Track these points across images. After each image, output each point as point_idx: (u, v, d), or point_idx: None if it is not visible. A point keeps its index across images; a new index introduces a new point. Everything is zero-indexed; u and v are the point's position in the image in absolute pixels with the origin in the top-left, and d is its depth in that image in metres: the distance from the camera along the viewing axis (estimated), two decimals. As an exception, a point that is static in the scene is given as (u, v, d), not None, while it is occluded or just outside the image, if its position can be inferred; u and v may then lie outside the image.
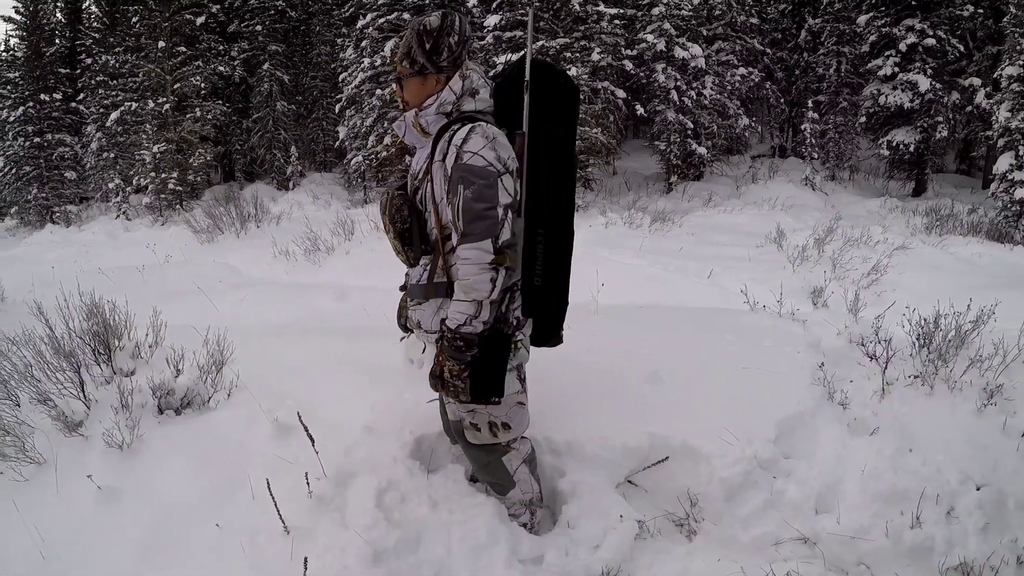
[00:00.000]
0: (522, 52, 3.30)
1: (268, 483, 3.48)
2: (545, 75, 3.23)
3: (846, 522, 3.62)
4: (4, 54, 39.74)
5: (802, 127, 23.61)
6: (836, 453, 3.97)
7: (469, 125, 3.02)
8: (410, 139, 3.27)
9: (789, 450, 4.03)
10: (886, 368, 4.51)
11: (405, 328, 3.70)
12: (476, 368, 3.09)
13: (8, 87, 34.34)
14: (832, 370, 4.58)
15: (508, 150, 3.03)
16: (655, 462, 4.02)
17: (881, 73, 21.72)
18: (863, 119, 23.10)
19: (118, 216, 27.24)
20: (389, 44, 21.63)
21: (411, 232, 3.23)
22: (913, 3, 21.32)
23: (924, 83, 20.75)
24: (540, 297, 3.30)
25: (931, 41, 20.89)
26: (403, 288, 3.63)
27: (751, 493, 3.82)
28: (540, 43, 18.87)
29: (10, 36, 38.11)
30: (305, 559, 3.19)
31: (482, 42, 19.68)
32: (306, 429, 3.67)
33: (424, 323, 3.31)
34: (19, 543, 3.59)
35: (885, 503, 3.66)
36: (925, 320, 4.78)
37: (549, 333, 3.50)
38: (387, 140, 21.66)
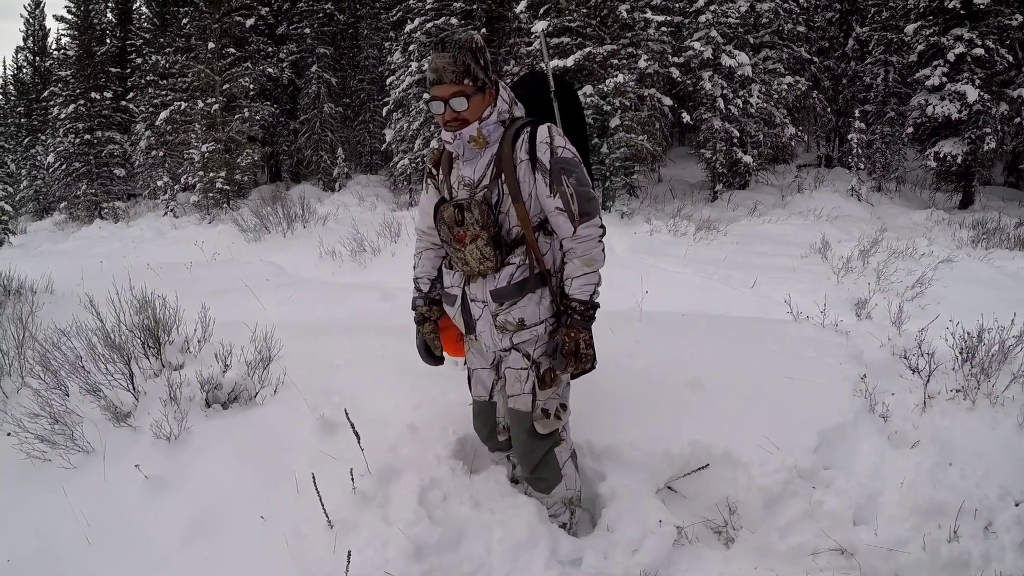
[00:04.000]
0: (538, 64, 3.60)
1: (314, 477, 3.52)
2: (564, 87, 3.73)
3: (884, 534, 3.60)
4: (56, 53, 40.54)
5: (849, 137, 23.33)
6: (875, 465, 3.95)
7: (544, 125, 3.28)
8: (467, 154, 3.34)
9: (829, 461, 4.01)
10: (928, 381, 4.47)
11: (440, 359, 3.83)
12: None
13: (60, 85, 34.96)
14: (874, 382, 4.55)
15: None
16: (695, 469, 4.02)
17: (929, 83, 21.32)
18: (910, 129, 22.63)
19: (166, 213, 27.64)
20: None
21: (500, 235, 3.30)
22: (961, 12, 20.93)
23: (972, 94, 20.37)
24: None
25: (979, 51, 20.48)
26: (423, 320, 3.76)
27: (790, 502, 3.80)
28: (587, 49, 18.88)
29: (62, 35, 38.88)
30: (348, 553, 3.23)
31: (529, 48, 19.72)
32: (352, 426, 3.71)
33: (529, 318, 3.37)
34: (66, 529, 3.67)
35: (923, 516, 3.63)
36: (968, 334, 4.73)
37: None
38: (433, 144, 21.71)
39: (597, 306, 3.30)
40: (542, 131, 3.24)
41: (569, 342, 3.25)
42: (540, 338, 3.40)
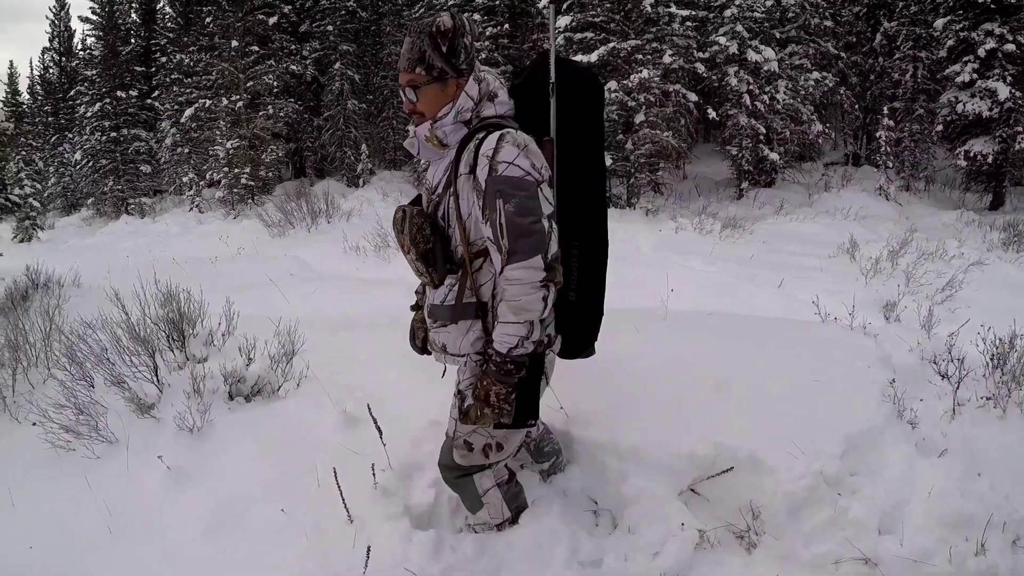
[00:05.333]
0: (547, 51, 3.03)
1: (335, 472, 3.52)
2: (569, 74, 3.00)
3: (909, 545, 3.50)
4: (82, 53, 40.99)
5: (877, 134, 23.12)
6: (903, 473, 3.85)
7: (497, 133, 2.79)
8: (426, 154, 3.06)
9: (855, 467, 3.92)
10: (958, 388, 4.38)
11: (423, 350, 3.50)
12: (521, 392, 2.89)
13: (86, 84, 35.41)
14: (902, 387, 4.43)
15: (541, 157, 2.82)
16: (720, 471, 3.94)
17: (959, 80, 21.02)
18: (939, 127, 22.29)
19: (191, 209, 27.86)
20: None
21: (435, 252, 2.97)
22: (992, 6, 20.60)
23: (1004, 91, 20.09)
24: (574, 312, 3.08)
25: (1011, 47, 20.17)
26: (415, 308, 3.56)
27: (815, 509, 3.71)
28: (611, 45, 18.81)
29: (87, 36, 39.31)
30: (368, 548, 3.21)
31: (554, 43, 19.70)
32: (375, 421, 3.70)
33: (450, 346, 3.08)
34: (88, 518, 3.70)
35: (950, 528, 3.54)
36: (1000, 340, 4.66)
37: (581, 346, 3.27)
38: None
39: (522, 363, 2.83)
40: (490, 140, 2.78)
41: (480, 389, 2.91)
42: (466, 370, 3.10)
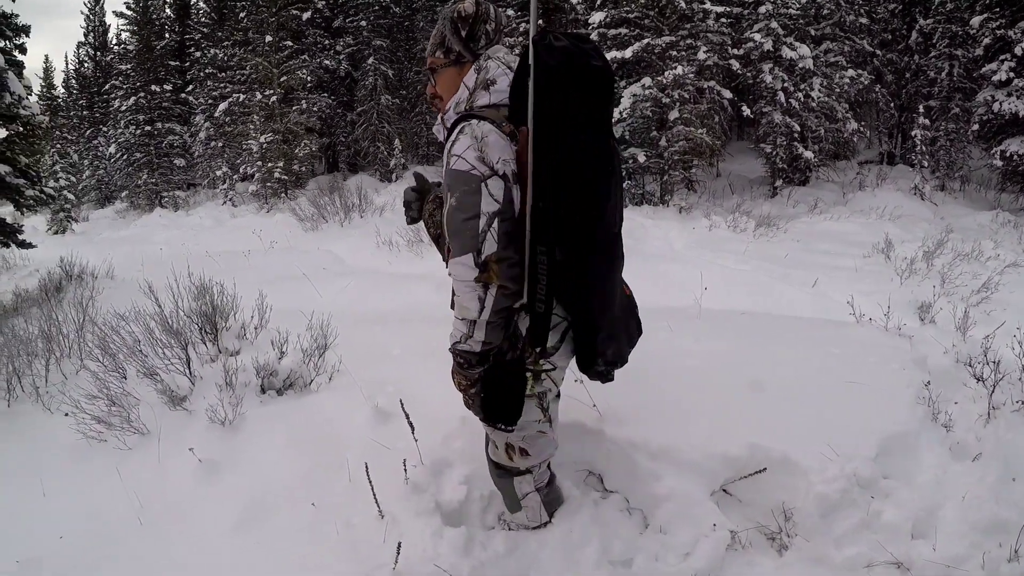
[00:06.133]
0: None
1: (367, 468, 3.51)
2: (557, 58, 2.63)
3: (942, 549, 3.46)
4: (116, 47, 41.40)
5: (912, 133, 22.81)
6: (937, 477, 3.81)
7: (463, 123, 2.75)
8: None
9: (889, 470, 3.87)
10: (993, 392, 4.29)
11: None
12: (486, 389, 2.87)
13: (120, 78, 35.76)
14: (937, 390, 4.36)
15: (499, 151, 2.69)
16: (752, 472, 3.90)
17: (995, 78, 20.69)
18: (976, 127, 21.91)
19: (224, 202, 28.11)
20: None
21: (442, 238, 3.00)
22: (1031, 4, 20.40)
23: (1041, 90, 19.90)
24: (546, 326, 2.82)
25: (1050, 45, 20.01)
26: None
27: (847, 512, 3.67)
28: (646, 41, 18.70)
29: (122, 30, 39.71)
30: (399, 544, 3.20)
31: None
32: (407, 416, 3.69)
33: (454, 334, 2.96)
34: (118, 509, 3.73)
35: (984, 533, 3.50)
36: (1036, 343, 4.58)
37: (583, 364, 3.08)
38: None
39: (469, 358, 2.84)
40: (454, 132, 2.77)
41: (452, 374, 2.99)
42: None
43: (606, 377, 3.15)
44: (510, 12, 23.14)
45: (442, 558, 3.27)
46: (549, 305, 2.76)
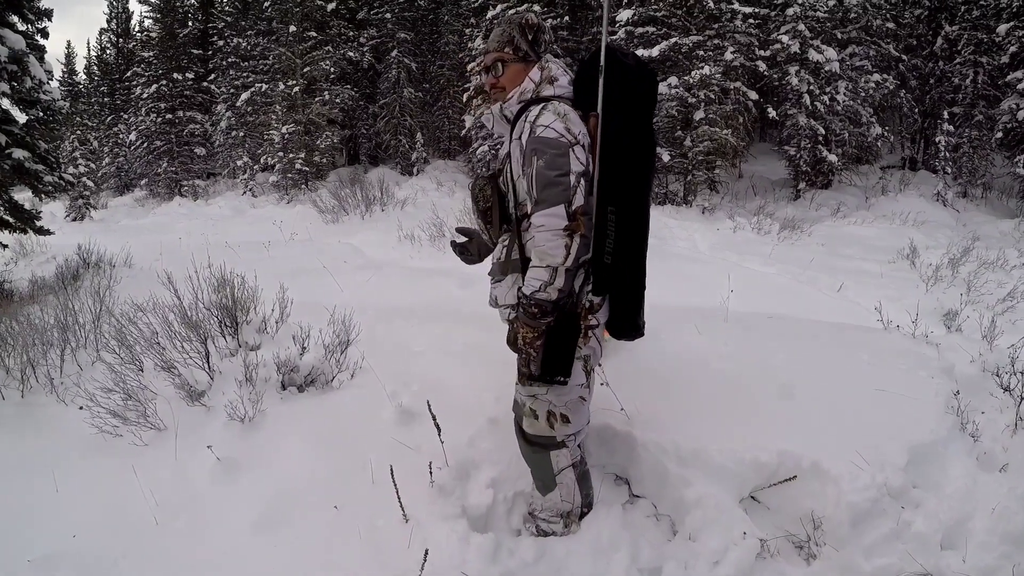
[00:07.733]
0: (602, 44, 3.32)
1: (392, 470, 3.44)
2: (616, 60, 3.25)
3: (972, 561, 3.43)
4: (139, 35, 41.55)
5: (936, 139, 22.68)
6: (966, 487, 3.77)
7: (542, 104, 3.19)
8: (498, 129, 3.47)
9: (918, 480, 3.83)
10: (1020, 403, 4.24)
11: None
12: (549, 340, 3.14)
13: (142, 66, 35.73)
14: (965, 399, 4.35)
15: (580, 125, 3.16)
16: (782, 479, 3.86)
17: (1020, 87, 20.57)
18: (999, 134, 21.82)
19: (245, 192, 28.14)
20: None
21: (492, 212, 3.45)
22: (1056, 13, 20.23)
23: (1067, 100, 19.70)
24: (611, 276, 3.28)
25: (1074, 55, 19.81)
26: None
27: (878, 521, 3.64)
28: (673, 40, 18.60)
29: (145, 18, 39.91)
30: (426, 551, 3.16)
31: (614, 36, 19.48)
32: (434, 418, 3.63)
33: (500, 298, 3.43)
34: (134, 507, 3.66)
35: (1014, 545, 3.46)
36: (1062, 353, 4.50)
37: (625, 323, 3.45)
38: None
39: (545, 306, 3.07)
40: (534, 109, 3.19)
41: (510, 331, 3.25)
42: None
43: (640, 332, 3.49)
44: (536, 8, 23.04)
45: (469, 565, 3.23)
46: (616, 258, 3.23)
